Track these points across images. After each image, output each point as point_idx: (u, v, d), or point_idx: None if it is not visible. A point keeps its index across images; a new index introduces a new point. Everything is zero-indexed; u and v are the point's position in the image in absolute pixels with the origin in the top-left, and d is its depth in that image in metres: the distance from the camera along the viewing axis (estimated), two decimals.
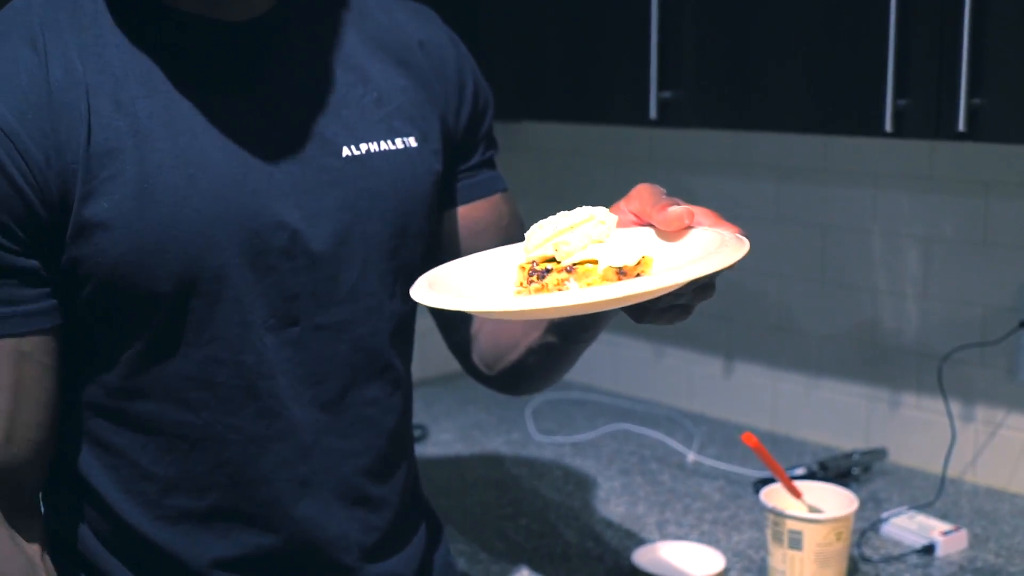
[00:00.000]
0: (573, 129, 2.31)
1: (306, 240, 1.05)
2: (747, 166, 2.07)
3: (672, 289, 0.85)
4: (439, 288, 0.93)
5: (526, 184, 2.25)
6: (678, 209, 0.95)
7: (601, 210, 0.97)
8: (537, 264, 0.95)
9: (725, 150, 2.09)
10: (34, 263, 0.97)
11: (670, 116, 1.69)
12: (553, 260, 0.95)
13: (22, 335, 0.98)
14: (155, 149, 1.00)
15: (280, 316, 1.06)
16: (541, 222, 0.97)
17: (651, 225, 0.98)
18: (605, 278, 0.92)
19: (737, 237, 0.91)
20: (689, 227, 0.96)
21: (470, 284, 0.98)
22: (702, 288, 0.90)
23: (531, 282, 0.94)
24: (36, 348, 0.99)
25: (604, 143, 2.27)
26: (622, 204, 1.00)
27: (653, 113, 1.68)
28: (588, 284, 0.91)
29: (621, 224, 0.98)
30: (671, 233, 0.96)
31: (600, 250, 0.95)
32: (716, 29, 1.63)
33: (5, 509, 1.00)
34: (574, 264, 0.94)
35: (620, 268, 0.92)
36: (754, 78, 1.60)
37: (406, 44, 1.16)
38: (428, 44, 1.17)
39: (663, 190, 0.99)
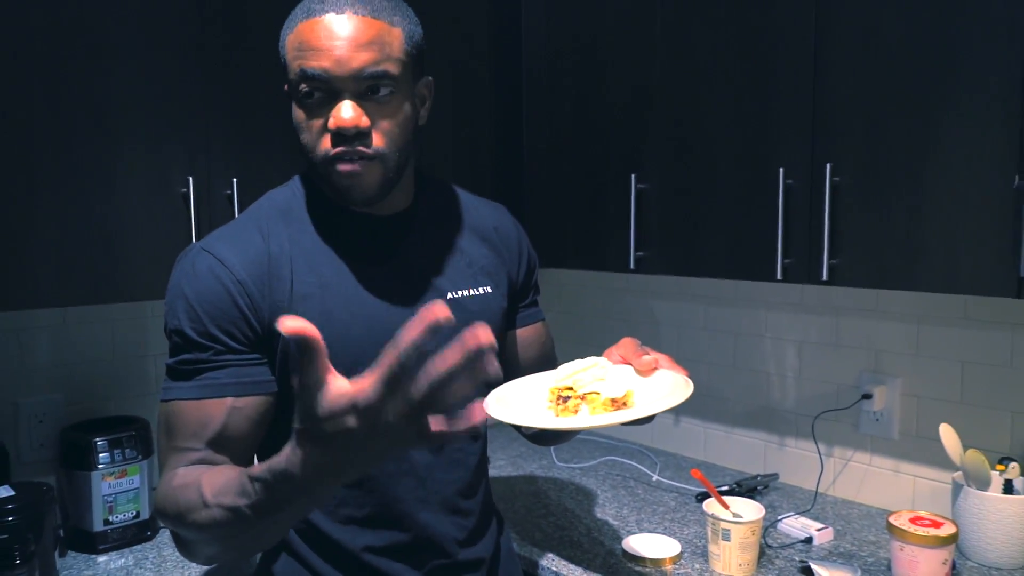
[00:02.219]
0: (582, 273, 2.31)
1: (426, 351, 1.04)
2: (688, 296, 2.07)
3: (640, 420, 0.88)
4: (503, 403, 0.95)
5: (552, 305, 2.28)
6: (649, 358, 0.98)
7: (602, 359, 1.00)
8: (562, 391, 0.97)
9: (675, 286, 2.09)
10: (255, 356, 0.98)
11: (642, 266, 1.69)
12: (571, 389, 0.96)
13: (238, 396, 0.97)
14: (332, 296, 1.01)
15: None
16: (566, 364, 0.99)
17: (631, 365, 1.00)
18: (604, 405, 0.93)
19: (686, 380, 0.92)
20: (656, 369, 0.97)
21: (521, 399, 0.98)
22: None
23: (558, 403, 0.95)
24: (247, 406, 0.98)
25: (601, 282, 2.27)
26: (613, 350, 1.01)
27: (632, 265, 1.69)
28: (593, 409, 0.93)
29: (613, 362, 1.00)
30: (644, 372, 0.98)
31: (601, 385, 0.97)
32: (671, 215, 1.64)
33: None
34: (585, 393, 0.95)
35: (613, 399, 0.93)
36: (694, 244, 1.60)
37: (487, 228, 1.17)
38: (500, 228, 1.19)
39: (639, 342, 1.01)
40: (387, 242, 1.06)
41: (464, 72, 1.84)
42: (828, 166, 1.36)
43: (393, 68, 0.94)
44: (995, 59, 1.19)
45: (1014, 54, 1.17)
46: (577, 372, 0.97)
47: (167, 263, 1.38)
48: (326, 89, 0.93)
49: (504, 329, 1.17)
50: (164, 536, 1.62)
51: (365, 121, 0.94)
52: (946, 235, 1.26)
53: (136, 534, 1.58)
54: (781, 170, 1.42)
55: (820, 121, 1.39)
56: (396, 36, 0.95)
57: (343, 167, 0.94)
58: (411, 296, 1.05)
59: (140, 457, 1.58)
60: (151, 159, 1.43)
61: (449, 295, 1.08)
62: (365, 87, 0.94)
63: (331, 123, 0.93)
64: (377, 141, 0.96)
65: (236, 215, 1.47)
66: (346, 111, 0.93)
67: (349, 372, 0.98)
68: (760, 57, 1.47)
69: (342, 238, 1.03)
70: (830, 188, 1.36)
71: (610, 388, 0.95)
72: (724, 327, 2.00)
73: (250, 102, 1.52)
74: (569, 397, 0.95)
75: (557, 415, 0.94)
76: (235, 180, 1.49)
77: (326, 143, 0.95)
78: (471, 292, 1.10)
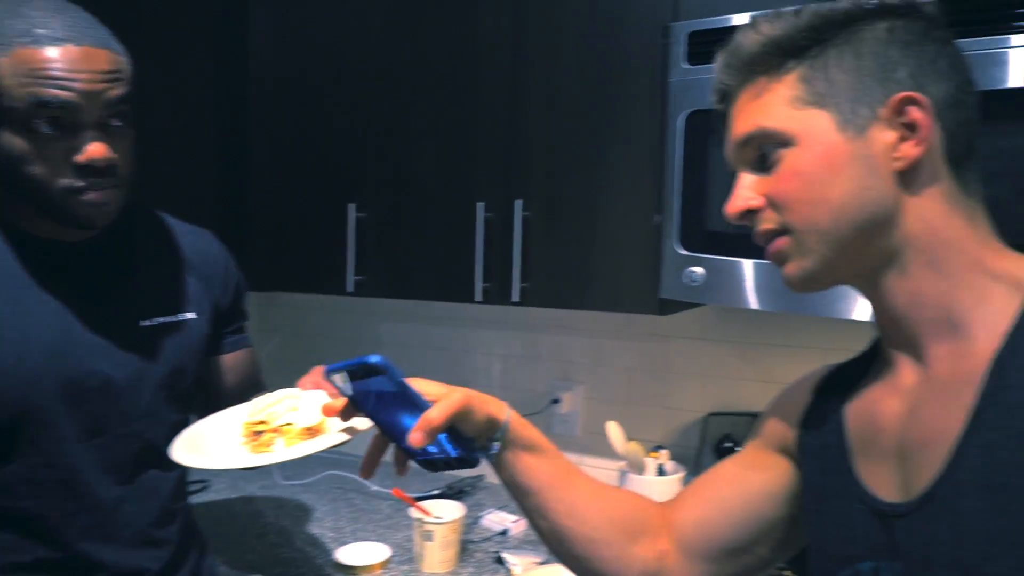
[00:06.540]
0: (308, 297, 2.17)
1: (115, 381, 0.94)
2: (409, 316, 2.03)
3: (337, 445, 0.81)
4: (193, 448, 0.86)
5: (278, 329, 2.14)
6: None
7: (294, 390, 0.92)
8: (255, 426, 0.89)
9: (398, 307, 2.04)
10: None
11: (361, 290, 1.64)
12: (264, 423, 0.89)
13: None
14: (5, 323, 0.89)
15: (89, 431, 0.94)
16: (257, 399, 0.90)
17: (323, 389, 0.92)
18: (299, 435, 0.87)
19: None
20: None
21: (213, 440, 0.90)
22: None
23: (252, 438, 0.88)
24: None
25: (327, 305, 2.17)
26: (306, 379, 0.96)
27: (351, 288, 1.62)
28: (289, 440, 0.86)
29: (305, 389, 0.93)
30: (336, 395, 0.90)
31: (294, 415, 0.89)
32: (387, 242, 1.60)
33: None
34: (279, 426, 0.88)
35: (308, 427, 0.87)
36: (407, 269, 1.59)
37: (191, 254, 1.08)
38: (206, 254, 1.10)
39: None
40: (75, 268, 0.95)
41: (184, 97, 1.68)
42: (519, 202, 1.42)
43: (128, 97, 0.90)
44: (642, 123, 1.34)
45: (655, 121, 1.33)
46: (269, 405, 0.90)
47: None
48: (68, 120, 0.85)
49: (207, 355, 1.09)
50: None
51: (113, 154, 0.88)
52: (609, 263, 1.38)
53: None
54: (481, 204, 1.46)
55: (513, 163, 1.46)
56: (127, 66, 0.91)
57: (92, 197, 0.88)
58: (97, 323, 0.95)
59: None
60: None
61: (141, 323, 0.99)
62: (109, 117, 0.88)
63: (82, 157, 0.86)
64: (121, 168, 0.91)
65: None
66: (99, 145, 0.86)
67: (22, 401, 0.87)
68: (463, 100, 1.51)
69: (24, 265, 0.92)
70: (521, 221, 1.42)
71: (304, 417, 0.89)
72: (440, 344, 2.00)
73: None
74: (263, 432, 0.88)
75: (252, 451, 0.87)
76: None
77: (68, 176, 0.86)
78: (168, 318, 1.01)
